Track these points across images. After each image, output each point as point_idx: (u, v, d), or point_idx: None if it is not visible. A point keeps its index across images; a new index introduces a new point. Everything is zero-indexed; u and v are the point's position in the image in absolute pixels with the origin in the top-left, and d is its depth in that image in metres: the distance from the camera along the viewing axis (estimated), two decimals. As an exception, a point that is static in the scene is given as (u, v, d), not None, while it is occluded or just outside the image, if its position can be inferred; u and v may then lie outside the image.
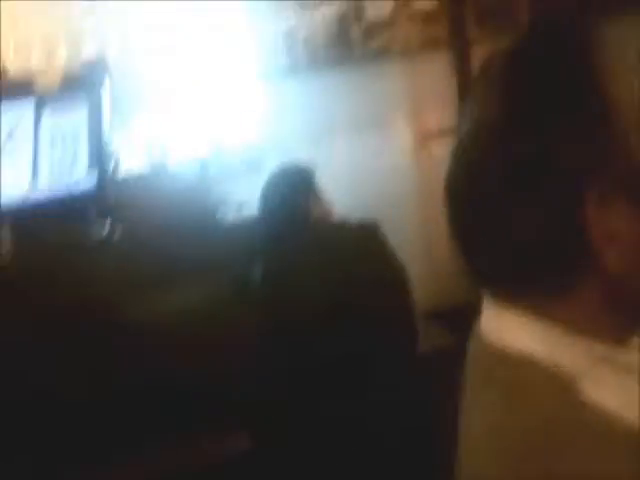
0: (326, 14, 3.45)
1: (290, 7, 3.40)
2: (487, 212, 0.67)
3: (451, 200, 0.72)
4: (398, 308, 2.54)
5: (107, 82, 2.78)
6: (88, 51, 3.06)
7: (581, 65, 0.65)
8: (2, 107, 2.73)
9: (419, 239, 3.38)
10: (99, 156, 2.63)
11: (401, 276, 2.57)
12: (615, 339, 0.68)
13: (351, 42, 3.53)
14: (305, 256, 2.49)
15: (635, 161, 0.63)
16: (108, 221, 2.65)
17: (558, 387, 0.65)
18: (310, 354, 2.31)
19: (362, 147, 3.57)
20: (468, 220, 0.71)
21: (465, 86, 3.61)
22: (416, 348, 2.46)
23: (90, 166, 2.60)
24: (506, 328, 0.70)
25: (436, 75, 3.68)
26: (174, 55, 3.12)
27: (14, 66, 3.02)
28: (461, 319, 1.02)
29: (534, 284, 0.67)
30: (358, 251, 2.54)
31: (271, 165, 2.77)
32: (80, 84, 2.74)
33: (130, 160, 2.92)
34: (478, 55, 3.66)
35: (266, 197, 2.54)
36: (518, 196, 0.65)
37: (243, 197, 2.91)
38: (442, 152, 3.42)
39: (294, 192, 2.51)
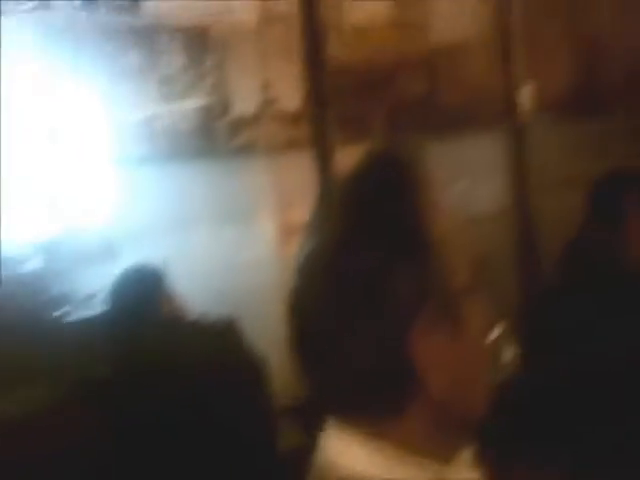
0: (190, 106, 3.43)
1: (151, 97, 3.35)
2: (325, 332, 0.68)
3: (292, 315, 0.73)
4: (254, 404, 2.46)
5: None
6: None
7: (409, 194, 0.69)
8: None
9: (281, 333, 3.29)
10: None
11: (257, 372, 2.51)
12: (445, 457, 0.72)
13: (216, 136, 3.53)
14: (155, 355, 2.36)
15: (452, 289, 0.68)
16: None
17: None
18: (162, 453, 2.13)
19: (224, 240, 3.50)
20: (309, 336, 0.71)
21: (327, 186, 3.67)
22: (274, 445, 2.36)
23: None
24: (345, 450, 0.71)
25: (300, 173, 3.73)
26: (22, 138, 2.94)
27: None
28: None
29: (368, 406, 0.69)
30: (211, 348, 2.46)
31: (125, 253, 2.63)
32: None
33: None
34: (340, 156, 3.77)
35: (116, 294, 2.43)
36: (353, 319, 0.66)
37: (94, 286, 2.72)
38: None
39: (145, 290, 2.42)
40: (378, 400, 0.68)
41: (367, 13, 4.16)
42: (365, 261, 0.66)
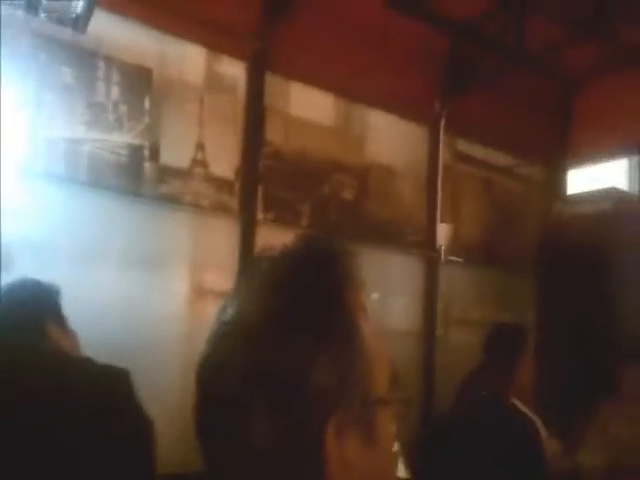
0: (117, 140, 3.22)
1: (77, 120, 3.13)
2: (228, 411, 0.65)
3: (200, 384, 0.70)
4: (134, 464, 2.10)
5: None
6: None
7: (336, 293, 0.67)
8: None
9: (176, 393, 2.92)
10: None
11: (142, 430, 2.17)
12: None
13: (142, 177, 3.30)
14: (27, 381, 2.00)
15: (369, 398, 0.66)
16: None
17: None
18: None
19: (129, 284, 3.17)
20: (214, 410, 0.68)
21: (246, 259, 3.52)
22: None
23: None
24: None
25: (220, 238, 3.54)
26: None
27: None
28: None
29: None
30: (94, 392, 2.11)
31: (21, 269, 2.28)
32: None
33: None
34: (261, 235, 3.64)
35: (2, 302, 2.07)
36: (261, 404, 0.64)
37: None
38: (213, 312, 3.18)
39: (29, 307, 2.08)
40: None
41: (310, 108, 4.20)
42: (286, 349, 0.64)
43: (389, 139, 4.64)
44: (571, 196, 5.29)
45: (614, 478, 2.99)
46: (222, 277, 3.35)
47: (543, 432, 2.73)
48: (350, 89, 4.31)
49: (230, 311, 0.69)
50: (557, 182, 5.50)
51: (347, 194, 4.36)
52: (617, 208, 4.43)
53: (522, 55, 4.44)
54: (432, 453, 2.97)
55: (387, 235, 4.59)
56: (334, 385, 0.64)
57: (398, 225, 4.69)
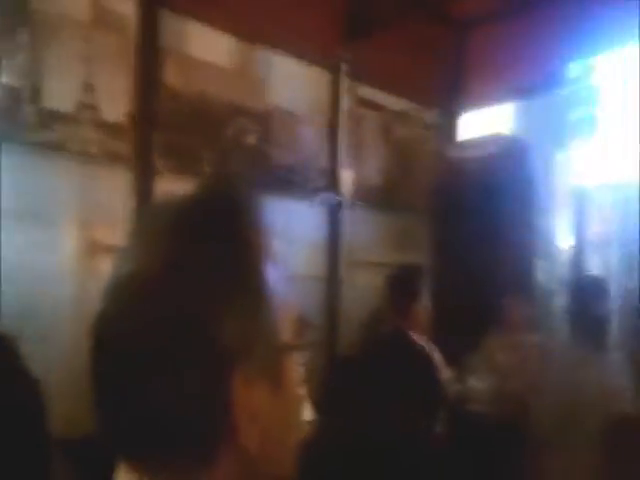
0: (-6, 81, 2.90)
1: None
2: (129, 370, 0.62)
3: (96, 345, 0.65)
4: (22, 431, 1.98)
5: None
6: None
7: (240, 238, 0.65)
8: None
9: (66, 351, 2.77)
10: None
11: (33, 394, 2.06)
12: None
13: (22, 123, 3.00)
14: None
15: (276, 345, 0.65)
16: None
17: None
18: None
19: (13, 241, 2.91)
20: (112, 370, 0.63)
21: (151, 209, 3.32)
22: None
23: None
24: None
25: (113, 189, 3.32)
26: None
27: None
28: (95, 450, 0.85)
29: (173, 455, 0.63)
30: None
31: None
32: None
33: None
34: (160, 185, 3.45)
35: None
36: (164, 358, 0.60)
37: None
38: (106, 269, 3.01)
39: None
40: (184, 450, 0.62)
41: (210, 49, 3.99)
42: (189, 300, 0.61)
43: (291, 83, 4.51)
44: (462, 141, 5.43)
45: (497, 400, 3.32)
46: (115, 231, 3.14)
47: (438, 360, 2.90)
48: (250, 31, 4.12)
49: (125, 262, 0.64)
50: (450, 127, 5.60)
51: (250, 139, 4.21)
52: (503, 152, 4.59)
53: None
54: (337, 391, 3.06)
55: (290, 181, 4.51)
56: (239, 334, 0.62)
57: (301, 170, 4.62)
